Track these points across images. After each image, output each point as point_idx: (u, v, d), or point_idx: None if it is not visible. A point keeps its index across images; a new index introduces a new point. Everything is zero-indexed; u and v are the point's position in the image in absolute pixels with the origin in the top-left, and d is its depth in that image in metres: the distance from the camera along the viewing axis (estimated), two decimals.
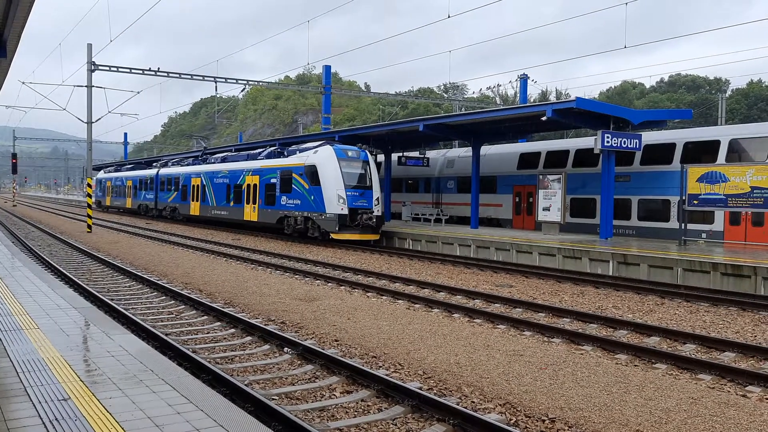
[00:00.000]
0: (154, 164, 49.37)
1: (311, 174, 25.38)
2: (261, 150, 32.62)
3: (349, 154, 25.42)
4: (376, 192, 25.45)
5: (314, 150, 26.16)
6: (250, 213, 30.28)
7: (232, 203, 32.20)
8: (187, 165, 40.61)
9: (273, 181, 28.17)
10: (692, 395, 6.98)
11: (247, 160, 32.26)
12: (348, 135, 30.39)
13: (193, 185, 37.25)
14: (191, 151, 50.78)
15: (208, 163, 36.99)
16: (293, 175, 26.56)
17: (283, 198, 27.37)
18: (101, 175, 62.33)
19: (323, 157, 25.33)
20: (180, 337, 9.68)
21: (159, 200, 43.91)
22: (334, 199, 24.38)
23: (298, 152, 27.72)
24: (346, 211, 24.30)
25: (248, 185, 30.39)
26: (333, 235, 24.41)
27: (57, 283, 11.43)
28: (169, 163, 45.44)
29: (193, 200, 37.36)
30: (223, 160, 35.58)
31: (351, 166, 25.20)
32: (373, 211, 24.84)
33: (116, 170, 59.71)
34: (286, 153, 29.20)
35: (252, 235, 30.41)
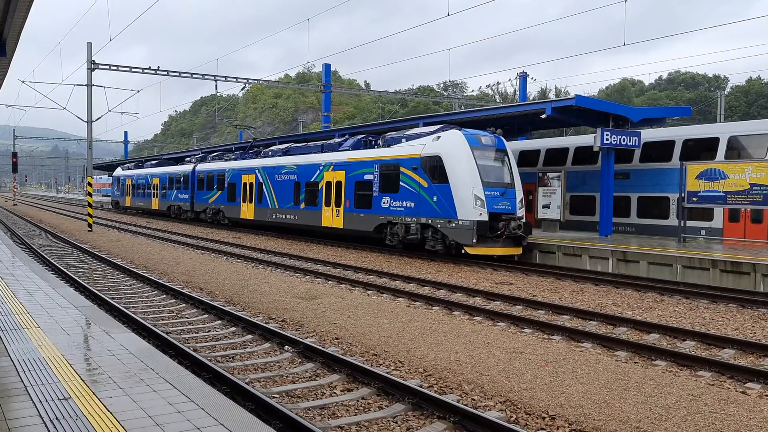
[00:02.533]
0: (187, 159, 43.49)
1: (432, 168, 19.65)
2: (341, 139, 26.84)
3: (483, 140, 19.68)
4: (519, 191, 19.69)
5: (434, 136, 20.30)
6: (332, 218, 24.66)
7: (303, 205, 26.52)
8: (234, 159, 34.75)
9: (368, 177, 22.52)
10: (692, 392, 6.99)
11: (323, 151, 26.64)
12: (347, 133, 30.37)
13: (245, 183, 31.44)
14: (237, 143, 43.21)
15: (264, 157, 31.23)
16: (401, 169, 20.87)
17: (385, 199, 21.62)
18: (119, 172, 55.94)
19: (451, 145, 19.44)
20: (181, 336, 9.69)
21: (196, 201, 37.94)
22: (469, 200, 18.55)
23: (404, 140, 21.96)
24: (485, 217, 18.44)
25: (327, 183, 24.91)
26: (468, 249, 18.50)
27: (58, 282, 11.45)
28: (208, 158, 39.38)
29: (245, 201, 31.52)
30: (286, 152, 29.67)
31: (487, 156, 19.49)
32: (520, 217, 19.23)
33: (137, 166, 52.89)
34: (382, 142, 23.47)
35: (252, 234, 30.41)
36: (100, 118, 33.03)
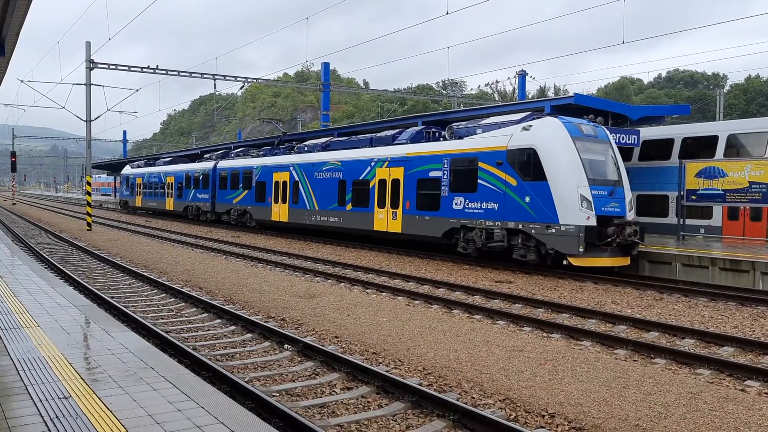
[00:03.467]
0: (206, 156, 40.41)
1: (524, 163, 16.74)
2: (394, 132, 23.68)
3: (584, 129, 16.92)
4: (628, 190, 16.92)
5: (522, 125, 17.36)
6: (386, 221, 21.69)
7: (349, 206, 23.52)
8: (262, 155, 31.81)
9: (434, 174, 19.64)
10: (691, 390, 7.00)
11: (372, 145, 23.69)
12: (345, 132, 30.39)
13: (277, 181, 28.44)
14: (264, 138, 40.21)
15: (300, 152, 28.40)
16: (480, 165, 17.95)
17: (458, 200, 18.72)
18: (128, 170, 52.40)
19: (547, 136, 16.56)
20: (180, 335, 9.70)
21: (218, 201, 34.76)
22: (573, 201, 15.77)
23: (479, 131, 19.01)
24: (593, 221, 15.69)
25: (381, 181, 21.98)
26: (572, 260, 15.72)
27: (57, 281, 11.44)
28: (231, 154, 36.22)
29: (277, 201, 28.50)
30: (326, 147, 26.73)
31: (590, 148, 16.65)
32: (633, 221, 16.44)
33: (148, 164, 49.72)
34: (449, 134, 20.52)
35: (252, 233, 30.40)
36: (98, 117, 33.00)
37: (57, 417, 4.47)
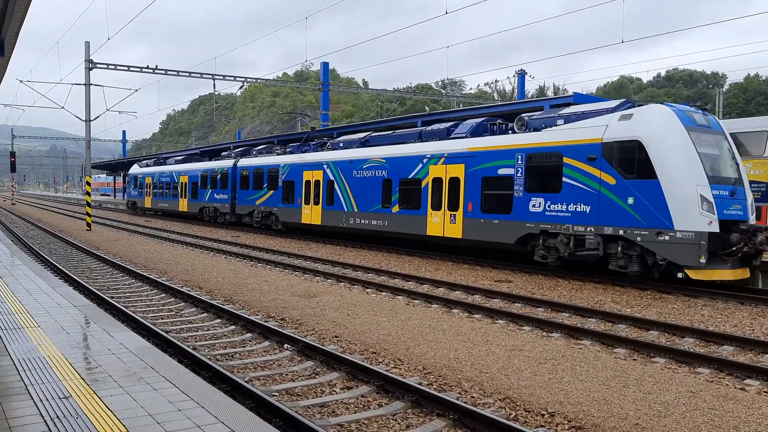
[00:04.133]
0: (224, 153, 37.53)
1: (625, 158, 14.43)
2: (449, 125, 20.96)
3: (696, 119, 14.64)
4: (749, 191, 14.73)
5: (620, 114, 14.96)
6: (443, 225, 19.34)
7: (396, 208, 21.22)
8: (290, 153, 29.57)
9: (505, 172, 17.25)
10: (691, 389, 7.01)
11: (422, 140, 21.40)
12: (345, 131, 30.40)
13: (308, 181, 26.18)
14: (292, 134, 36.87)
15: (335, 149, 25.82)
16: (565, 160, 15.57)
17: (536, 201, 16.33)
18: (136, 169, 49.73)
19: (655, 125, 14.29)
20: (180, 335, 9.70)
21: (238, 202, 32.33)
22: (693, 203, 13.46)
23: (560, 121, 16.44)
24: (716, 227, 13.44)
25: (435, 180, 19.67)
26: (691, 273, 13.39)
27: (57, 282, 11.45)
28: (252, 152, 33.85)
29: (308, 202, 26.13)
30: (365, 143, 24.26)
31: (706, 142, 14.38)
32: (762, 227, 14.34)
33: (158, 163, 47.13)
34: (519, 126, 17.81)
35: (251, 233, 30.40)
36: (98, 117, 33.01)
37: (57, 417, 4.47)
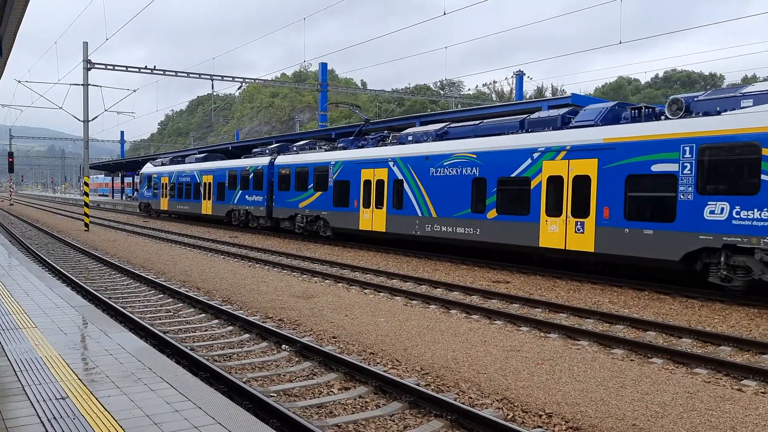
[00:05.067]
0: (255, 150, 33.68)
1: None
2: (564, 111, 17.40)
3: None
4: None
5: None
6: (563, 233, 15.80)
7: (492, 213, 17.51)
8: (341, 148, 25.45)
9: (663, 168, 13.81)
10: (688, 389, 7.02)
11: (524, 130, 17.77)
12: (345, 132, 30.40)
13: (368, 180, 22.52)
14: (342, 127, 33.02)
15: (402, 143, 22.05)
16: (765, 152, 12.25)
17: (715, 206, 12.88)
18: (150, 169, 45.60)
19: None
20: (178, 335, 9.70)
21: (275, 204, 28.54)
22: None
23: (747, 101, 13.02)
24: None
25: (552, 179, 16.07)
26: None
27: (54, 282, 11.44)
28: (292, 148, 29.94)
29: (368, 205, 22.43)
30: (442, 135, 20.67)
31: None
32: None
33: (175, 161, 43.42)
34: (672, 111, 14.19)
35: (249, 233, 30.37)
36: (96, 117, 32.99)
37: (54, 418, 4.47)
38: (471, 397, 6.86)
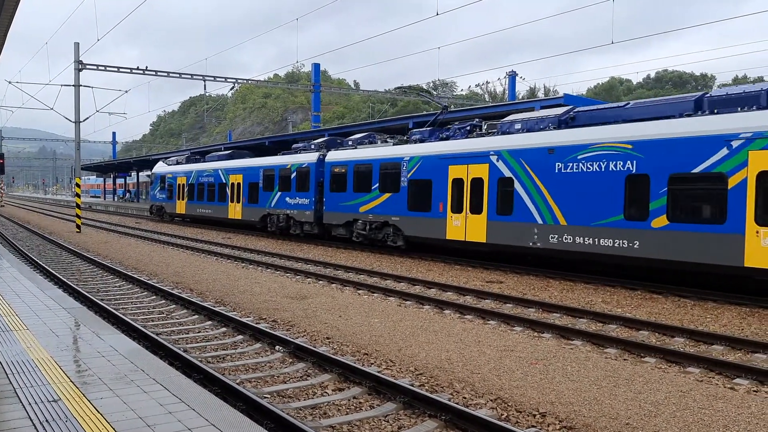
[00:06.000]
0: (296, 146, 29.12)
1: None
2: (761, 87, 13.26)
3: None
4: None
5: None
6: None
7: (660, 221, 13.89)
8: (412, 142, 21.67)
9: None
10: (681, 388, 7.04)
11: (701, 112, 14.00)
12: (338, 133, 30.38)
13: (458, 179, 18.68)
14: (417, 115, 28.03)
15: (505, 133, 18.03)
16: None
17: None
18: (163, 168, 41.42)
19: None
20: (171, 337, 9.66)
21: (327, 208, 24.49)
22: None
23: None
24: None
25: (760, 175, 12.45)
26: None
27: (46, 284, 11.38)
28: (346, 142, 25.51)
29: (459, 210, 18.55)
30: (567, 122, 16.54)
31: None
32: None
33: (192, 160, 39.56)
34: None
35: (242, 234, 30.29)
36: (87, 118, 32.89)
37: (47, 420, 4.44)
38: (465, 397, 6.87)
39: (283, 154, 29.06)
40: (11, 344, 6.58)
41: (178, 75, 36.29)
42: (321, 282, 15.46)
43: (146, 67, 33.61)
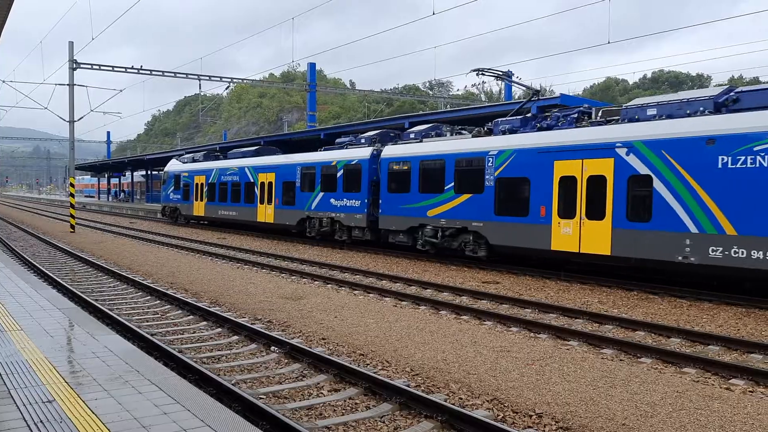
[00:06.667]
0: (339, 141, 25.75)
1: None
2: None
3: None
4: None
5: None
6: None
7: None
8: (500, 133, 18.08)
9: None
10: (677, 389, 7.04)
11: None
12: (333, 133, 30.34)
13: (566, 177, 15.61)
14: (500, 104, 25.56)
15: (633, 121, 14.80)
16: None
17: None
18: (177, 166, 37.75)
19: None
20: (166, 337, 9.62)
21: (384, 212, 21.11)
22: None
23: None
24: None
25: None
26: None
27: (40, 284, 11.32)
28: (409, 135, 21.80)
29: (569, 215, 15.46)
30: (724, 105, 13.54)
31: None
32: None
33: (211, 157, 36.05)
34: None
35: (237, 234, 30.24)
36: (82, 118, 32.70)
37: (41, 421, 4.41)
38: (461, 398, 6.86)
39: (325, 149, 25.87)
40: (5, 345, 6.54)
41: (173, 74, 36.20)
42: (316, 282, 15.43)
43: (141, 66, 33.54)
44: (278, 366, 8.21)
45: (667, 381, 7.39)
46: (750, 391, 7.38)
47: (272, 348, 8.90)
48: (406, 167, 20.33)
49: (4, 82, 31.85)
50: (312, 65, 42.80)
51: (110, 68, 32.98)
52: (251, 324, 10.20)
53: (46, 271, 15.65)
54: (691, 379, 7.77)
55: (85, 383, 5.31)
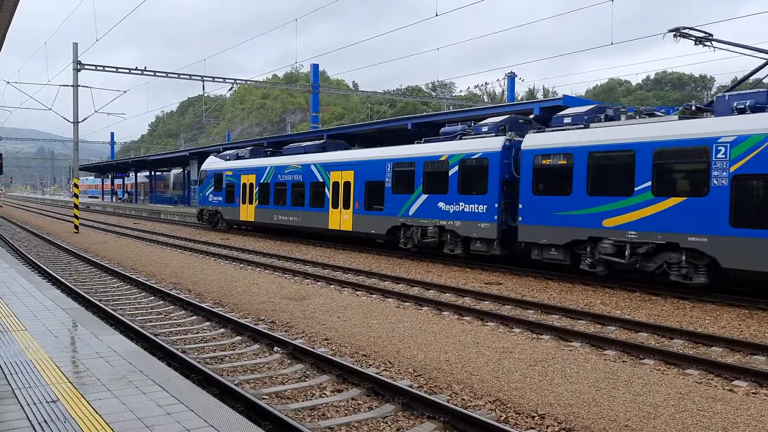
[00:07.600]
0: (445, 130, 20.68)
1: None
2: None
3: None
4: None
5: None
6: None
7: None
8: (725, 114, 13.14)
9: None
10: (680, 390, 7.04)
11: None
12: (336, 134, 30.35)
13: None
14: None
15: None
16: None
17: None
18: (218, 164, 33.33)
19: None
20: (169, 338, 9.64)
21: (525, 220, 16.55)
22: None
23: None
24: None
25: None
26: None
27: (44, 284, 11.36)
28: (564, 120, 16.60)
29: None
30: None
31: None
32: None
33: (259, 153, 31.79)
34: None
35: (240, 234, 30.26)
36: (86, 119, 32.79)
37: (45, 421, 4.43)
38: (464, 399, 6.86)
39: (425, 141, 21.02)
40: (9, 345, 6.56)
41: (176, 75, 36.29)
42: (319, 283, 15.44)
43: (144, 67, 33.63)
44: (281, 366, 8.22)
45: (669, 382, 7.38)
46: (753, 393, 7.37)
47: (275, 348, 8.92)
48: (564, 162, 15.78)
49: (8, 83, 31.95)
50: (315, 66, 42.85)
51: (114, 69, 33.07)
52: (254, 324, 10.22)
53: (50, 272, 15.70)
54: (694, 381, 7.76)
55: (89, 383, 5.33)
